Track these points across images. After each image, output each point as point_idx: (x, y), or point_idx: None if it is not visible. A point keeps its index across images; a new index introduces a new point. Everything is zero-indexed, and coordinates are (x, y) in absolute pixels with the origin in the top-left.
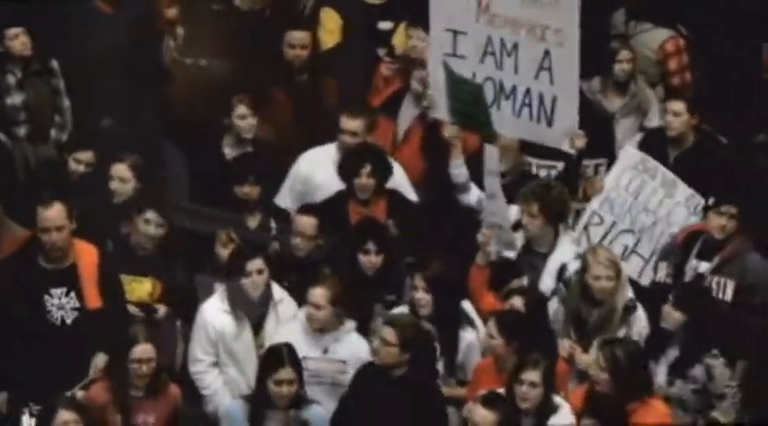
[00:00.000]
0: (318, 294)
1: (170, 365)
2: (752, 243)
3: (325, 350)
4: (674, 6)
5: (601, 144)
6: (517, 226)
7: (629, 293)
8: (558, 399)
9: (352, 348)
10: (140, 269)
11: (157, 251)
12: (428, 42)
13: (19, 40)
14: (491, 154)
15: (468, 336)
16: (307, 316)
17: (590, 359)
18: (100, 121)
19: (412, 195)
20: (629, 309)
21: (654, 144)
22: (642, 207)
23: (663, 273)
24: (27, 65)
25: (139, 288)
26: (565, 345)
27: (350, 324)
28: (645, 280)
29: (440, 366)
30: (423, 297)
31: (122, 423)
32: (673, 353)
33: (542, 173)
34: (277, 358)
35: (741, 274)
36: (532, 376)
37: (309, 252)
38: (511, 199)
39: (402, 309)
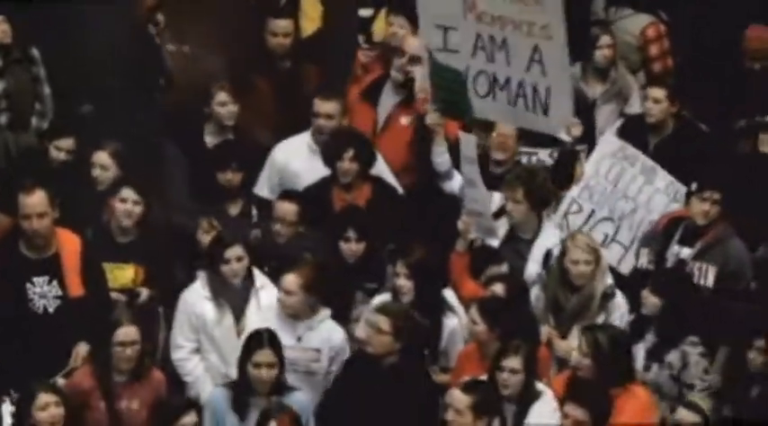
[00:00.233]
0: (290, 280)
1: (153, 350)
2: (734, 229)
3: (299, 339)
4: None
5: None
6: (501, 212)
7: (609, 280)
8: (540, 386)
9: (325, 336)
10: (122, 256)
11: (138, 233)
12: (420, 40)
13: None
14: (468, 141)
15: (450, 323)
16: (279, 302)
17: (568, 345)
18: (80, 107)
19: (393, 183)
20: (607, 296)
21: (634, 130)
22: (622, 194)
23: (644, 259)
24: (7, 53)
25: (122, 275)
26: (544, 332)
27: (324, 313)
28: (625, 268)
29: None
30: (405, 284)
31: (106, 408)
32: (651, 339)
33: (524, 160)
34: (257, 341)
35: (723, 260)
36: (513, 362)
37: (290, 238)
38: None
39: (384, 296)
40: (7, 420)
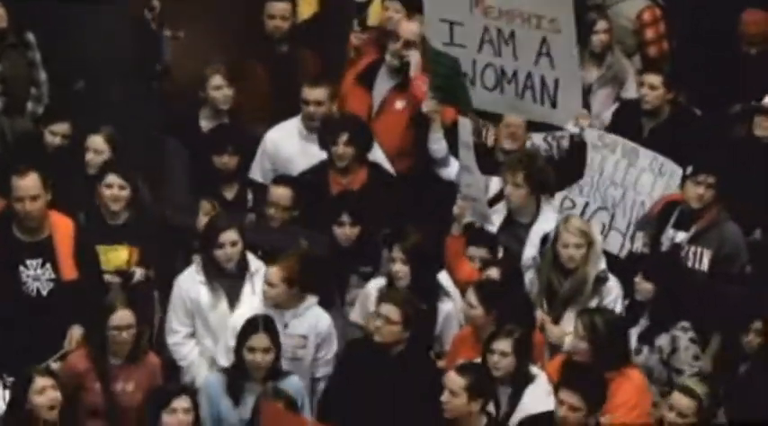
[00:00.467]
0: (273, 273)
1: (150, 334)
2: (729, 213)
3: (286, 326)
4: None
5: None
6: (499, 197)
7: (602, 264)
8: (534, 369)
9: (312, 322)
10: (115, 238)
11: (130, 216)
12: (415, 24)
13: None
14: (465, 126)
15: (445, 307)
16: (263, 293)
17: (561, 331)
18: (74, 85)
19: (388, 168)
20: (600, 280)
21: (629, 115)
22: (609, 181)
23: (639, 243)
24: (2, 37)
25: (116, 257)
26: (538, 316)
27: (311, 300)
28: (624, 254)
29: None
30: (401, 268)
31: (102, 390)
32: (644, 323)
33: None
34: (252, 326)
35: (718, 244)
36: (503, 345)
37: (284, 223)
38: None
39: (379, 281)
40: (0, 403)
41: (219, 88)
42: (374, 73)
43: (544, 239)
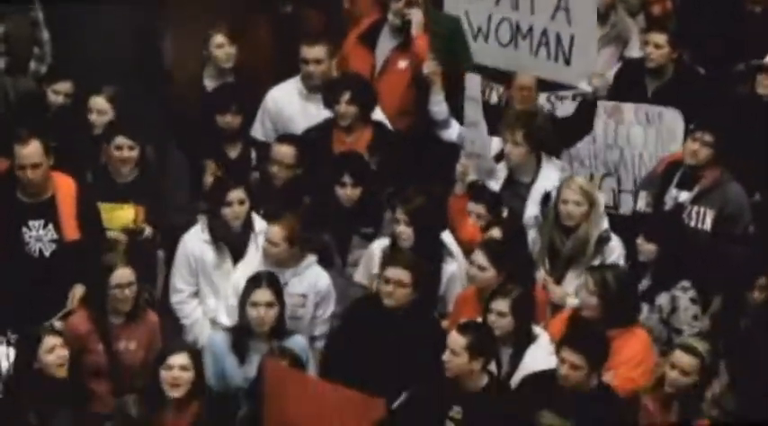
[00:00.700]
0: (275, 231)
1: (150, 292)
2: (732, 172)
3: (285, 284)
4: None
5: None
6: (500, 157)
7: (605, 224)
8: (536, 329)
9: (311, 281)
10: (121, 196)
11: (137, 173)
12: None
13: None
14: (473, 81)
15: (449, 268)
16: (263, 251)
17: (563, 291)
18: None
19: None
20: (602, 240)
21: (633, 74)
22: (604, 145)
23: (643, 203)
24: None
25: (122, 216)
26: (540, 276)
27: (310, 259)
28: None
29: None
30: (404, 230)
31: (104, 351)
32: (647, 284)
33: None
34: (255, 281)
35: (721, 204)
36: (501, 305)
37: (287, 181)
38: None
39: (383, 242)
40: (4, 362)
41: (221, 46)
42: (377, 32)
43: (546, 197)
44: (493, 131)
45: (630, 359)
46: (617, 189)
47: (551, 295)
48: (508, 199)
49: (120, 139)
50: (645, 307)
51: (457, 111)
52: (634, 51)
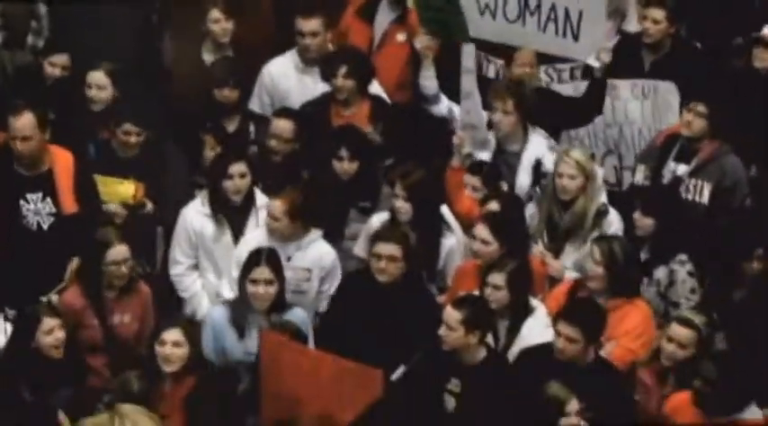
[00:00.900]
0: (276, 206)
1: (143, 265)
2: (730, 145)
3: (289, 259)
4: None
5: None
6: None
7: (603, 198)
8: (534, 302)
9: (316, 256)
10: (122, 171)
11: (140, 150)
12: None
13: None
14: (468, 52)
15: (448, 242)
16: (266, 226)
17: (560, 264)
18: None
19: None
20: (601, 213)
21: (630, 49)
22: (603, 123)
23: (641, 176)
24: None
25: (122, 191)
26: (536, 252)
27: (315, 233)
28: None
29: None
30: (403, 205)
31: (100, 325)
32: (644, 257)
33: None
34: (255, 258)
35: (719, 177)
36: (496, 278)
37: (286, 155)
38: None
39: (383, 215)
40: (1, 337)
41: (218, 21)
42: (375, 6)
43: (537, 165)
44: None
45: (631, 331)
46: (619, 166)
47: (549, 269)
48: (500, 169)
49: (129, 126)
50: (643, 281)
51: (455, 82)
52: (631, 25)
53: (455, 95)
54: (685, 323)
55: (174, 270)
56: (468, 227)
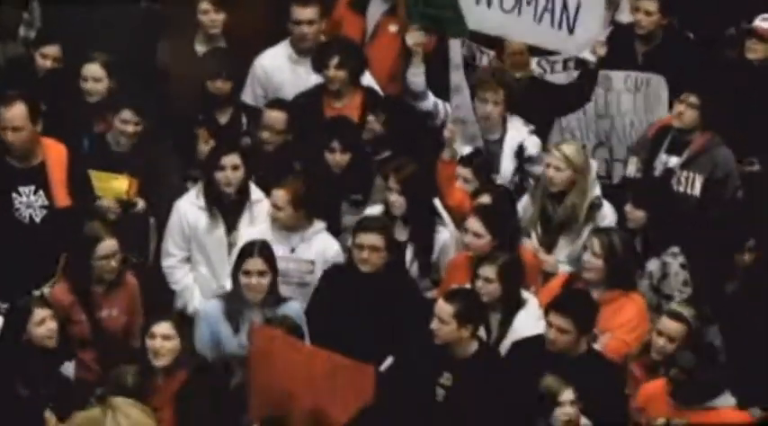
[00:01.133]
0: (279, 195)
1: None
2: (721, 137)
3: (293, 250)
4: None
5: None
6: None
7: (597, 191)
8: (525, 294)
9: (320, 248)
10: (116, 166)
11: (135, 144)
12: None
13: None
14: (456, 47)
15: (442, 236)
16: (270, 216)
17: (554, 259)
18: None
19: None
20: (594, 206)
21: (623, 39)
22: (594, 115)
23: (633, 168)
24: None
25: (116, 186)
26: (529, 246)
27: (319, 225)
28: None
29: (414, 267)
30: (397, 199)
31: (88, 320)
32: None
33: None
34: (248, 250)
35: (710, 169)
36: (488, 271)
37: (278, 147)
38: (524, 114)
39: (377, 208)
40: None
41: (207, 13)
42: None
43: (519, 150)
44: None
45: (626, 323)
46: (610, 158)
47: (544, 264)
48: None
49: (127, 114)
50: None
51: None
52: (624, 15)
53: (444, 90)
54: (675, 316)
55: (166, 263)
56: (459, 220)
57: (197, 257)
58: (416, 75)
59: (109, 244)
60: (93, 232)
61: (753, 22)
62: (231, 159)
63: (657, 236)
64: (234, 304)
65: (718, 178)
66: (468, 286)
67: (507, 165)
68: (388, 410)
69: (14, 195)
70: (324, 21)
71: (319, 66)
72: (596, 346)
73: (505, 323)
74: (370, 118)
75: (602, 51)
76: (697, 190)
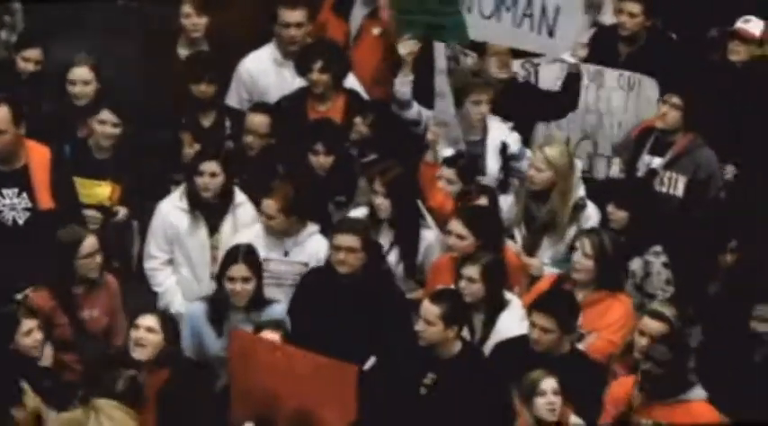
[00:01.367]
0: (269, 205)
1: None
2: (704, 138)
3: (286, 253)
4: None
5: None
6: None
7: (581, 191)
8: (509, 295)
9: (313, 250)
10: (99, 172)
11: (116, 150)
12: None
13: None
14: (440, 51)
15: (426, 237)
16: (263, 224)
17: (538, 262)
18: None
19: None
20: (578, 207)
21: (606, 41)
22: (584, 108)
23: (616, 168)
24: None
25: (99, 192)
26: (513, 247)
27: (312, 227)
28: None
29: (400, 268)
30: (382, 202)
31: (70, 321)
32: None
33: None
34: (233, 255)
35: (693, 169)
36: (470, 271)
37: (261, 150)
38: (506, 115)
39: (362, 211)
40: None
41: (189, 16)
42: (350, 0)
43: (503, 148)
44: None
45: (613, 323)
46: (593, 152)
47: (530, 267)
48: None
49: (106, 114)
50: None
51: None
52: (607, 17)
53: (428, 94)
54: (657, 316)
55: (149, 264)
56: (441, 222)
57: (179, 259)
58: (404, 85)
59: (90, 242)
60: (73, 233)
61: (734, 25)
62: (209, 166)
63: (640, 237)
64: (218, 307)
65: (700, 179)
66: (452, 287)
67: (492, 165)
68: (371, 411)
69: None
70: (310, 24)
71: (303, 70)
72: (582, 346)
73: (489, 324)
74: (357, 120)
75: (583, 53)
76: (680, 191)
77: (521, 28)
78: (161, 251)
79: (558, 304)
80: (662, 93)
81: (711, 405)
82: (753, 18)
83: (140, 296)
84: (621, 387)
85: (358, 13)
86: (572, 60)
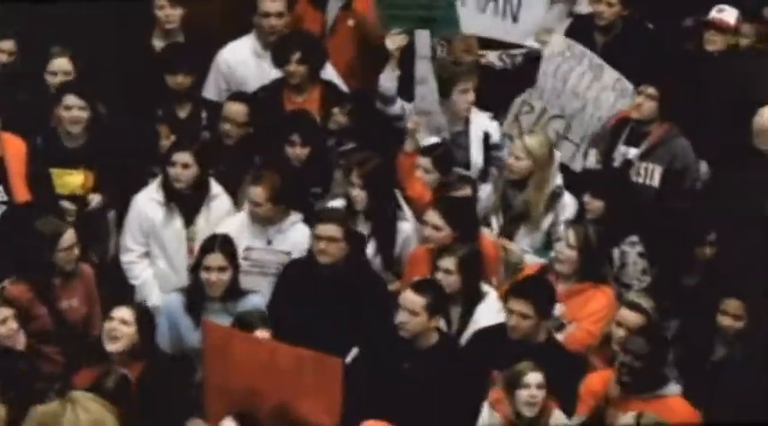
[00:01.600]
0: (257, 193)
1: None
2: (679, 128)
3: (269, 242)
4: None
5: None
6: None
7: (558, 180)
8: (486, 287)
9: (297, 239)
10: (70, 160)
11: (87, 137)
12: None
13: None
14: (422, 38)
15: (404, 228)
16: (249, 212)
17: (518, 247)
18: None
19: (341, 86)
20: (555, 195)
21: (583, 30)
22: (571, 92)
23: (592, 159)
24: None
25: (72, 181)
26: (489, 236)
27: (295, 216)
28: (576, 166)
29: (377, 261)
30: (359, 193)
31: (50, 313)
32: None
33: None
34: (209, 245)
35: (669, 160)
36: (447, 263)
37: (239, 139)
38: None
39: (339, 202)
40: None
41: (162, 8)
42: None
43: (485, 138)
44: None
45: (594, 314)
46: (562, 133)
47: (511, 254)
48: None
49: (71, 99)
50: None
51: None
52: (583, 6)
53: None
54: (634, 307)
55: (125, 257)
56: (420, 212)
57: (156, 252)
58: (389, 80)
59: (70, 235)
60: (53, 226)
61: (709, 14)
62: (181, 157)
63: (616, 227)
64: (194, 298)
65: (676, 169)
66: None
67: (477, 155)
68: (351, 402)
69: None
70: (291, 13)
71: (281, 61)
72: (560, 336)
73: (466, 315)
74: (335, 110)
75: (547, 38)
76: (656, 182)
77: (485, 12)
78: (137, 243)
79: (534, 289)
80: (637, 83)
81: (686, 400)
82: (726, 7)
83: (117, 288)
84: (599, 380)
85: (334, 5)
86: (536, 46)
